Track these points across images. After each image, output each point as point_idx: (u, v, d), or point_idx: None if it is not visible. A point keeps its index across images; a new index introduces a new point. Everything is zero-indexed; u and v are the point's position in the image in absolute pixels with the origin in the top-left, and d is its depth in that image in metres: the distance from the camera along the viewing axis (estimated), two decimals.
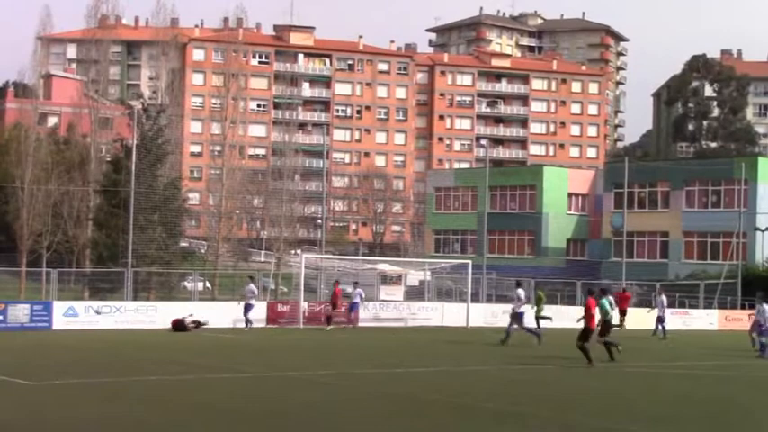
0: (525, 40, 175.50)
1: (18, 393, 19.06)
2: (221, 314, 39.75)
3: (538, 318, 37.63)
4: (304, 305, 42.31)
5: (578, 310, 50.75)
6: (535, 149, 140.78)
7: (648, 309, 43.39)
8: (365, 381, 22.58)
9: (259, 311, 41.66)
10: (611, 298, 32.34)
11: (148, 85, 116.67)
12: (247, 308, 38.68)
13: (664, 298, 43.04)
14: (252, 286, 39.63)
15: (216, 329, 37.56)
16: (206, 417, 16.64)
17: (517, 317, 34.15)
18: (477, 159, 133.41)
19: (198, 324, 37.48)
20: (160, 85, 67.08)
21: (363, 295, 42.54)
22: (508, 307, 47.86)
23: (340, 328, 40.21)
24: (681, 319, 52.11)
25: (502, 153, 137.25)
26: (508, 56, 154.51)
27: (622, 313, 47.55)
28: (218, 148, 70.44)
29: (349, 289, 41.58)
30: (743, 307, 54.26)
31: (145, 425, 15.84)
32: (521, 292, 34.98)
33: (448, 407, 18.33)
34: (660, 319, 41.93)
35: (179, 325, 36.95)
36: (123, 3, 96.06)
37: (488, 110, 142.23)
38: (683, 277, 65.18)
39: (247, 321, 38.52)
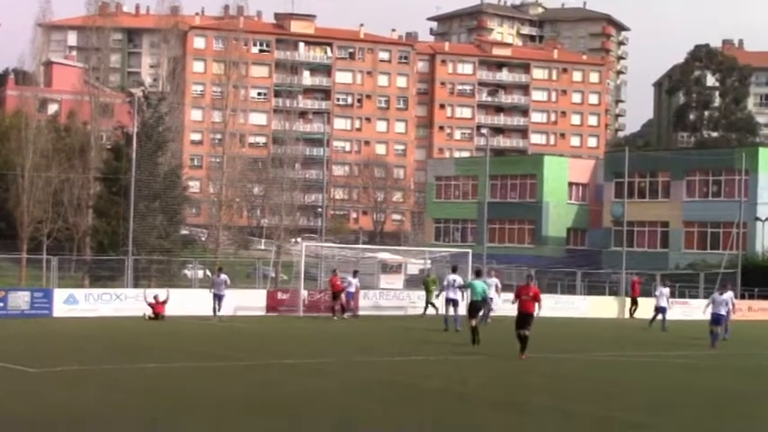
0: (526, 30, 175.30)
1: (19, 380, 19.12)
2: (224, 302, 39.41)
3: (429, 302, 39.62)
4: (304, 293, 42.38)
5: (579, 300, 51.49)
6: (536, 138, 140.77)
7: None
8: (364, 369, 22.62)
9: (259, 299, 41.72)
10: (488, 280, 32.50)
11: (149, 73, 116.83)
12: (218, 297, 37.85)
13: (666, 289, 42.38)
14: (224, 276, 38.69)
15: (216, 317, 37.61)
16: (205, 404, 16.67)
17: (451, 302, 34.44)
18: (477, 148, 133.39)
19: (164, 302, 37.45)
20: (161, 73, 66.98)
21: (358, 285, 42.29)
22: (506, 296, 48.17)
23: (341, 317, 40.19)
24: (681, 309, 52.05)
25: (502, 142, 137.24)
26: (509, 45, 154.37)
27: (634, 303, 47.91)
28: (218, 136, 70.43)
29: (349, 278, 41.52)
30: (743, 297, 54.27)
31: (145, 412, 15.87)
32: (451, 277, 34.94)
33: (447, 395, 18.38)
34: (661, 310, 41.15)
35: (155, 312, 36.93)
36: None
37: (489, 99, 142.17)
38: (683, 267, 65.22)
39: (215, 310, 37.63)
